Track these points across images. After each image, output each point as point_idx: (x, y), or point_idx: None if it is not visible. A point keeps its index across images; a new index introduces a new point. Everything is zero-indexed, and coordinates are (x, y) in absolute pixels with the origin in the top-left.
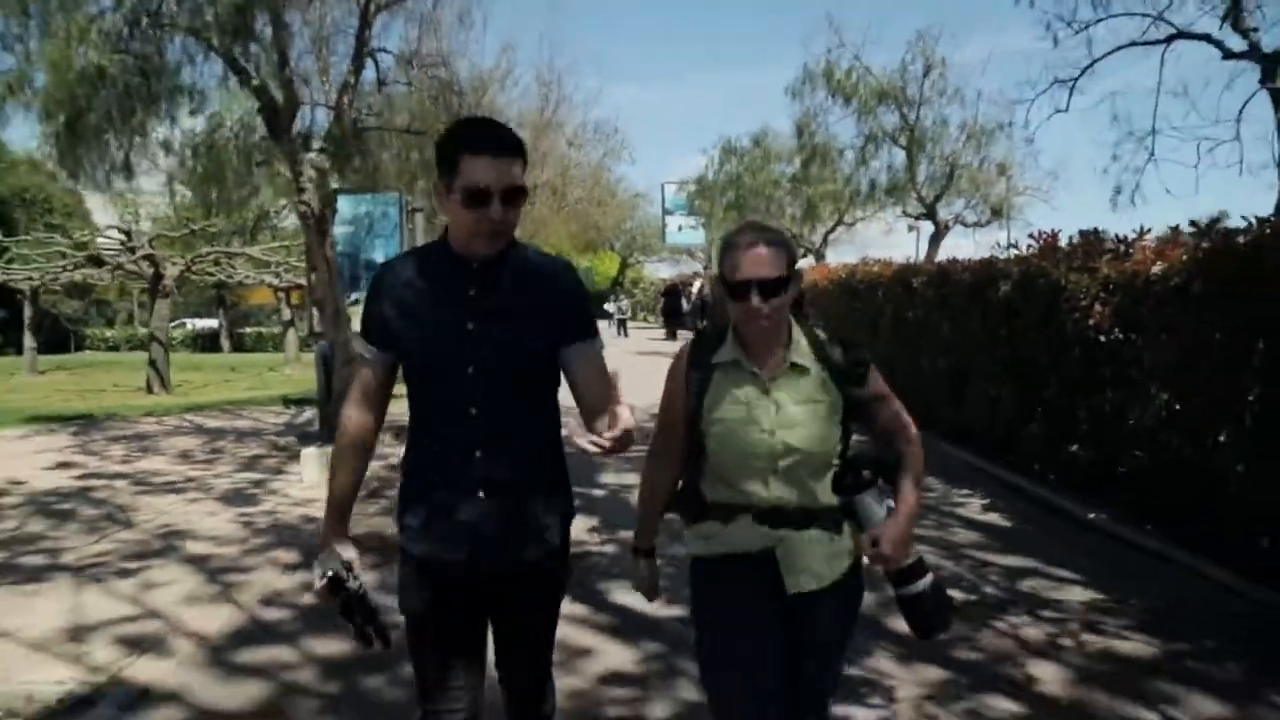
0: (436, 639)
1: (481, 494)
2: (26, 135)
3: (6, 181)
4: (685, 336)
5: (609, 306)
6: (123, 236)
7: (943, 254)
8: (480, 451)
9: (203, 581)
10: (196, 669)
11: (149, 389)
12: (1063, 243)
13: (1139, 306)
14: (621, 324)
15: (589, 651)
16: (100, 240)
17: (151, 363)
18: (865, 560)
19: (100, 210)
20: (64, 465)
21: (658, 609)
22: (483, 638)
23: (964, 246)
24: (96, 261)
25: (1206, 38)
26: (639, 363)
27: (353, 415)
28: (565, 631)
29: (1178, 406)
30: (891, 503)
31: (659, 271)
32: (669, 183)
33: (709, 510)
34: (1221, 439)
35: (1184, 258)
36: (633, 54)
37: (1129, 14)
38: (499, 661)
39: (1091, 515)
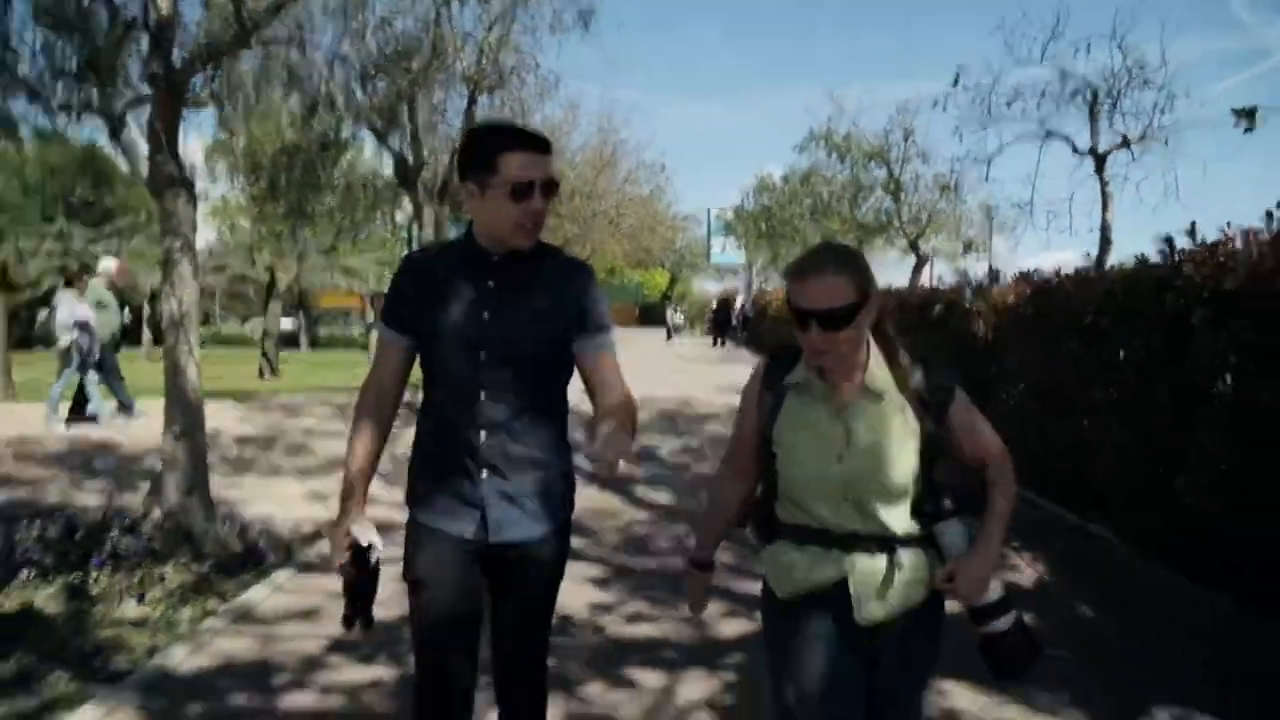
0: (436, 608)
1: (485, 474)
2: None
3: (116, 194)
4: (729, 344)
5: (670, 316)
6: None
7: (929, 280)
8: (486, 433)
9: (387, 480)
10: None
11: (261, 375)
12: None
13: (1005, 324)
14: (670, 331)
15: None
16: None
17: (264, 353)
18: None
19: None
20: (243, 421)
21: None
22: (479, 613)
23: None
24: (221, 269)
25: (1066, 138)
26: (683, 366)
27: (371, 397)
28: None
29: (1026, 391)
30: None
31: (706, 287)
32: (714, 208)
33: (782, 530)
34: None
35: (1026, 293)
36: (707, 70)
37: (1018, 119)
38: (494, 644)
39: None
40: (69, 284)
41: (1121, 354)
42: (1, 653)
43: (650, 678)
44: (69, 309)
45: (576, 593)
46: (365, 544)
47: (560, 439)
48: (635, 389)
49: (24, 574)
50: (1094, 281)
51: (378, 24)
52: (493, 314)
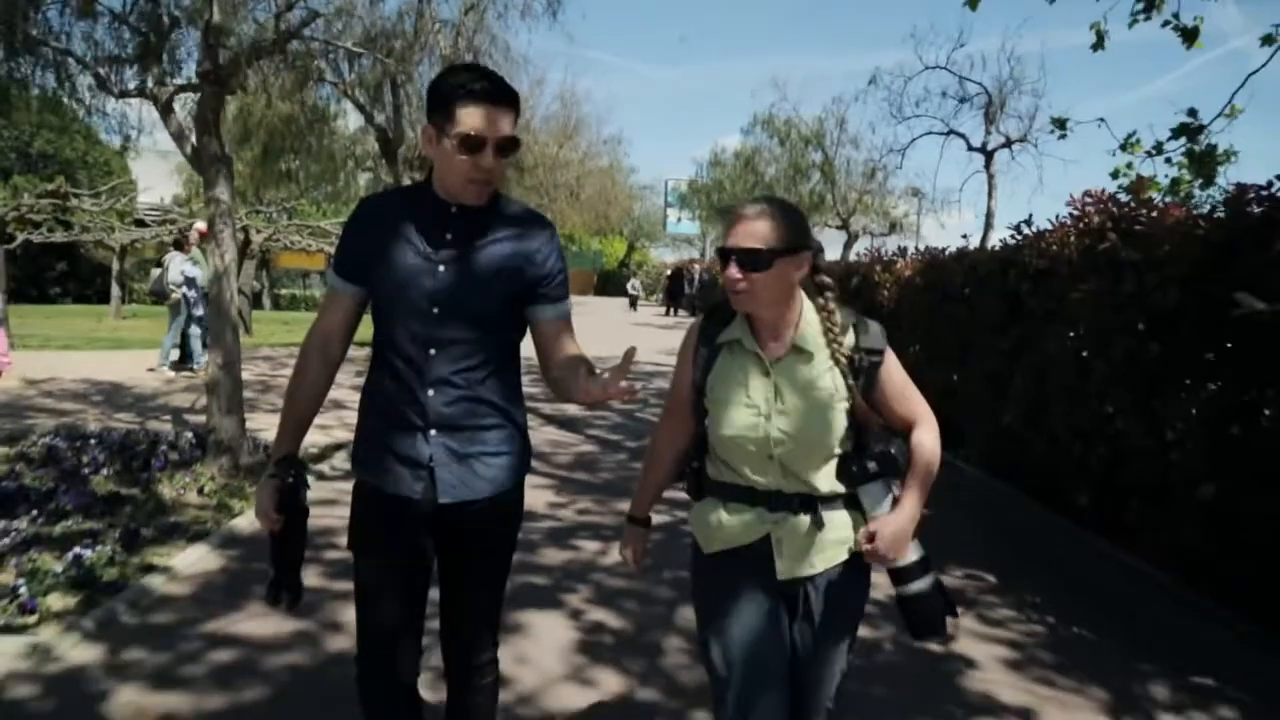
0: (382, 572)
1: (434, 433)
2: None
3: (73, 146)
4: (682, 315)
5: (630, 285)
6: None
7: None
8: (434, 391)
9: None
10: None
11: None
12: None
13: (904, 292)
14: (633, 300)
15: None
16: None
17: (238, 310)
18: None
19: (142, 174)
20: None
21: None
22: (426, 586)
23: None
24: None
25: (963, 136)
26: (635, 330)
27: (315, 347)
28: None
29: (919, 349)
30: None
31: (663, 256)
32: (670, 179)
33: (710, 488)
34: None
35: (919, 266)
36: (667, 36)
37: (926, 116)
38: (443, 612)
39: None
40: (178, 246)
41: (978, 316)
42: (110, 523)
43: (590, 545)
44: (178, 268)
45: (537, 495)
46: (291, 479)
47: (513, 396)
48: (592, 351)
49: (104, 473)
50: (964, 258)
51: (365, 8)
52: (448, 267)
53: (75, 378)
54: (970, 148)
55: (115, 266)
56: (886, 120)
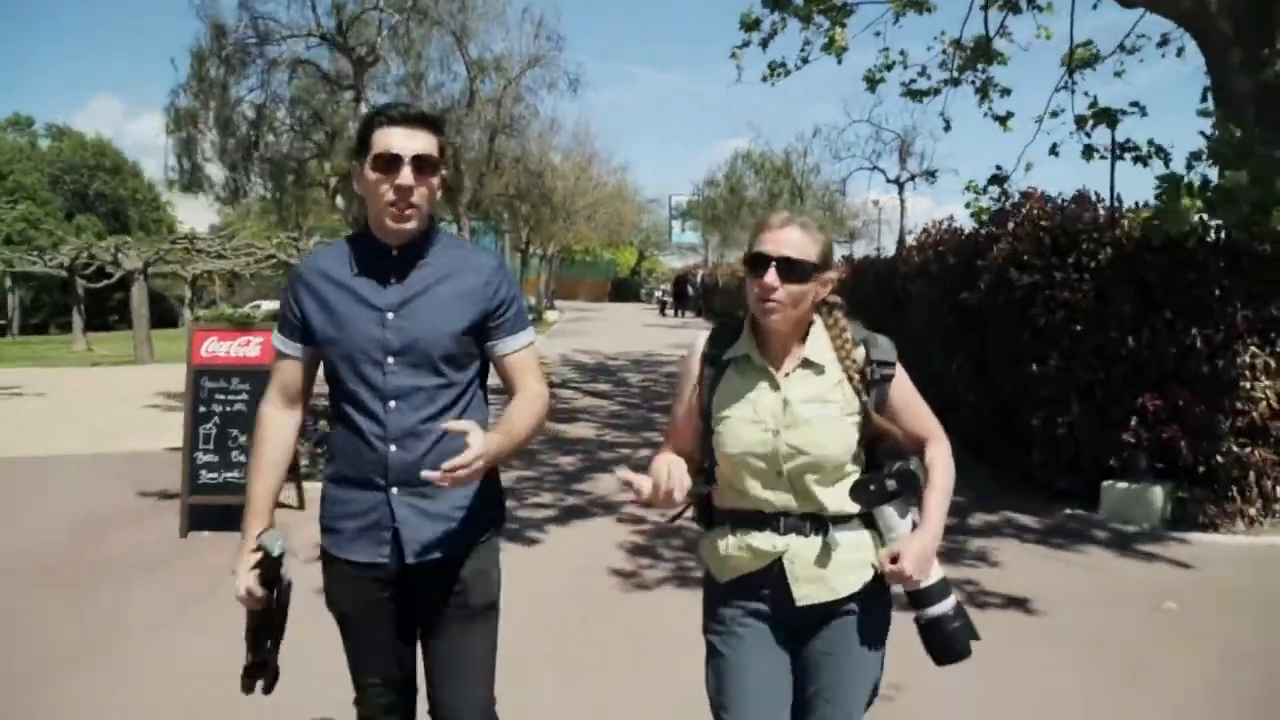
0: (365, 643)
1: (395, 490)
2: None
3: (127, 185)
4: (688, 316)
5: (657, 293)
6: (294, 242)
7: None
8: (395, 446)
9: None
10: None
11: None
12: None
13: (838, 294)
14: (663, 305)
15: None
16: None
17: None
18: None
19: (182, 209)
20: None
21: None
22: (412, 638)
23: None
24: (269, 257)
25: (883, 171)
26: (646, 330)
27: (271, 413)
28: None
29: None
30: (916, 516)
31: (671, 263)
32: (673, 195)
33: (719, 516)
34: None
35: (848, 272)
36: (661, 39)
37: (856, 156)
38: (430, 687)
39: None
40: None
41: (879, 307)
42: None
43: (626, 449)
44: None
45: (581, 429)
46: (277, 552)
47: None
48: (610, 348)
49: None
50: (873, 265)
51: (431, 90)
52: (396, 314)
53: None
54: (888, 180)
55: (187, 294)
56: (828, 161)
